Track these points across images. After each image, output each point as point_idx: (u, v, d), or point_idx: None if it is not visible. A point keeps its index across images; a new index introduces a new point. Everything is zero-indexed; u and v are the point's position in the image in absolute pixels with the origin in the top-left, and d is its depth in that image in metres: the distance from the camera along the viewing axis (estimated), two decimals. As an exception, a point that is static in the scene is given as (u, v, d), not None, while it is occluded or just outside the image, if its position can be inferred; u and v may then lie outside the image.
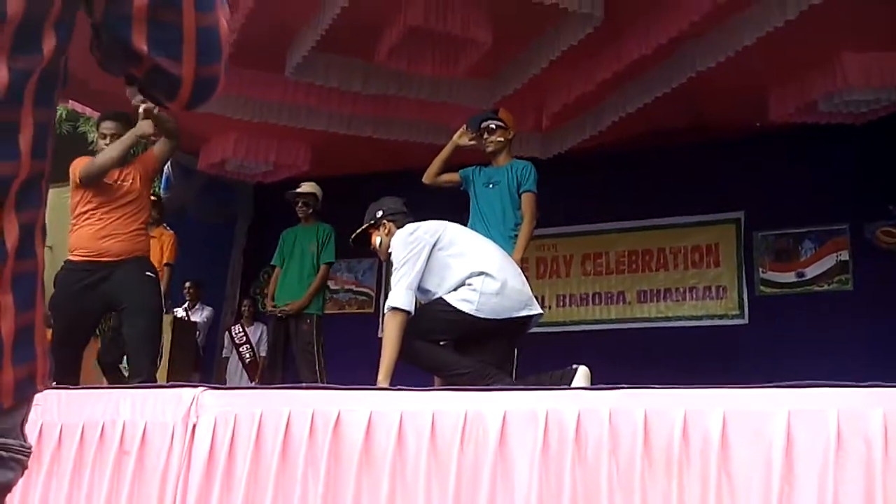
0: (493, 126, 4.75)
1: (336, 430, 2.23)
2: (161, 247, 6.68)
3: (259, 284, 8.72)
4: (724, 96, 6.18)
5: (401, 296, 3.30)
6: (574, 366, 3.20)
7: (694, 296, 7.10)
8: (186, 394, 2.45)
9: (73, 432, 2.52)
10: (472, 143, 4.82)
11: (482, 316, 3.29)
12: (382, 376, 3.23)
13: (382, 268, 8.36)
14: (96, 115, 6.87)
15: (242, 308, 8.05)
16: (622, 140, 6.77)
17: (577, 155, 6.89)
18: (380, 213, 3.67)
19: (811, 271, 6.75)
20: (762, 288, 6.92)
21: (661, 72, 5.79)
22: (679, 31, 5.15)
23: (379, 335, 8.24)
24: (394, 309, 3.30)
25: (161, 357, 4.58)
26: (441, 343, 3.34)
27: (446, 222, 3.63)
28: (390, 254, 3.56)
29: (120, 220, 4.43)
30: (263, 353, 7.46)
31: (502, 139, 4.76)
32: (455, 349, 3.37)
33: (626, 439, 1.90)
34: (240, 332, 7.86)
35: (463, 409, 2.11)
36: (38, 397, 2.31)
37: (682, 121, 6.77)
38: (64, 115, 9.44)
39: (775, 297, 6.86)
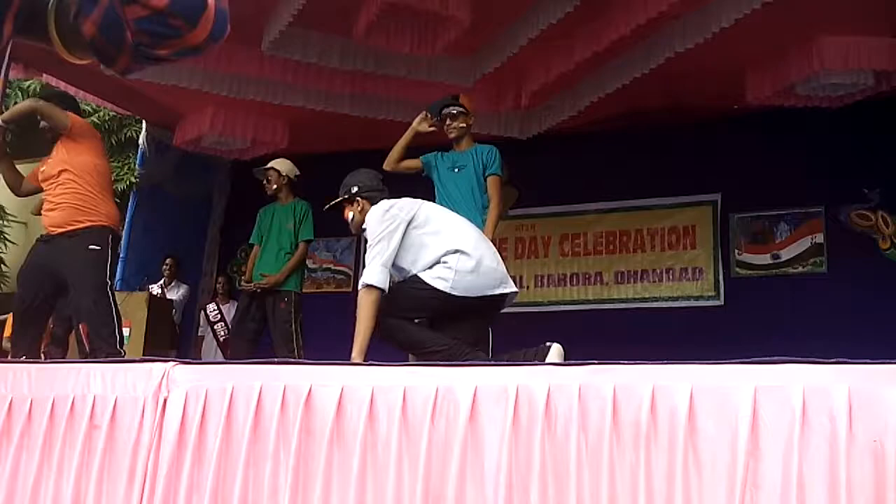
0: (455, 112, 4.76)
1: (307, 405, 2.23)
2: None
3: (236, 262, 8.68)
4: (701, 78, 6.18)
5: (375, 272, 3.30)
6: (547, 343, 3.21)
7: (671, 277, 7.14)
8: (157, 368, 2.44)
9: (43, 406, 2.50)
10: (433, 128, 4.84)
11: (457, 294, 3.29)
12: (356, 353, 3.23)
13: (361, 247, 8.34)
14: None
15: (217, 285, 8.01)
16: (600, 121, 6.78)
17: (556, 135, 6.90)
18: (355, 189, 3.65)
19: (786, 253, 6.81)
20: (738, 270, 6.97)
21: (640, 52, 5.79)
22: (658, 13, 5.15)
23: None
24: (368, 286, 3.29)
25: (119, 331, 4.52)
26: (416, 321, 3.34)
27: (421, 200, 3.61)
28: (364, 229, 3.55)
29: (50, 198, 4.55)
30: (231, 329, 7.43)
31: (464, 125, 4.78)
32: (430, 327, 3.37)
33: (594, 414, 1.91)
34: (214, 311, 7.82)
35: (434, 385, 2.11)
36: (7, 371, 2.28)
37: (659, 102, 6.78)
38: (38, 89, 9.31)
39: (751, 278, 6.92)
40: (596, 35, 5.56)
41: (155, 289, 7.46)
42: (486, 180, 4.60)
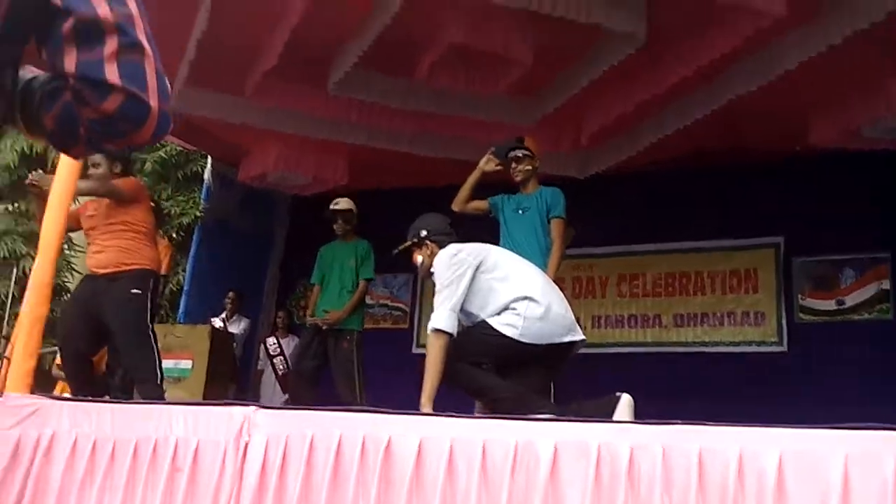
0: (521, 155, 4.79)
1: (387, 454, 2.25)
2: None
3: (295, 297, 8.79)
4: (764, 119, 6.14)
5: (444, 317, 3.32)
6: (617, 394, 3.18)
7: (732, 321, 7.03)
8: (238, 412, 2.49)
9: (126, 447, 2.56)
10: (499, 167, 4.87)
11: (526, 341, 3.30)
12: (426, 398, 3.24)
13: (418, 283, 8.39)
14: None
15: (278, 320, 8.10)
16: (660, 160, 6.76)
17: (615, 175, 6.88)
18: (424, 233, 3.69)
19: (851, 299, 6.67)
20: (801, 315, 6.84)
21: (701, 94, 5.76)
22: (721, 55, 5.13)
23: (413, 350, 8.27)
24: (437, 330, 3.31)
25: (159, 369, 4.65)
26: (483, 366, 3.35)
27: (489, 245, 3.63)
28: (431, 273, 3.58)
29: (98, 239, 4.69)
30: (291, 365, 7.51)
31: (530, 167, 4.82)
32: (496, 373, 3.37)
33: (680, 476, 1.89)
34: (274, 345, 7.90)
35: (514, 439, 2.12)
36: (90, 411, 2.35)
37: (720, 143, 6.74)
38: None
39: (814, 324, 6.78)
40: (657, 77, 5.56)
41: (217, 322, 7.57)
42: (549, 222, 4.61)
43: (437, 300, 3.40)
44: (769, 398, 6.47)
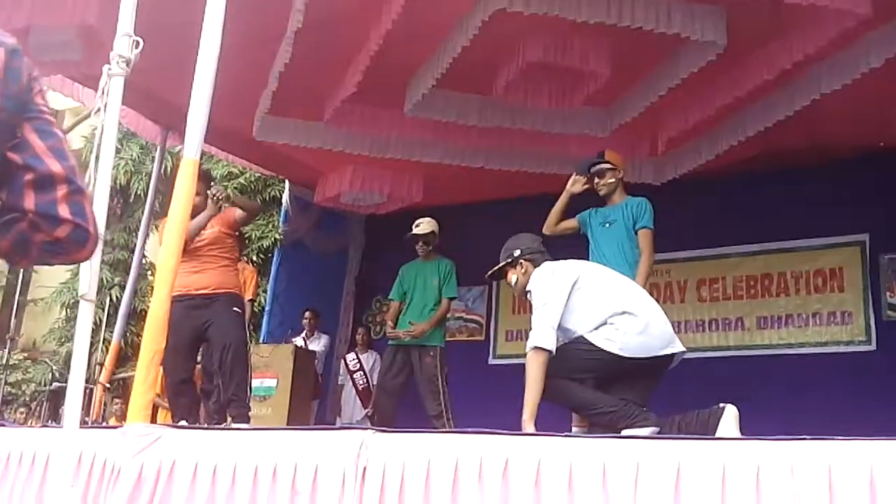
0: (602, 169, 4.78)
1: (505, 477, 2.29)
2: (243, 281, 6.94)
3: (371, 312, 8.92)
4: (847, 117, 6.04)
5: (543, 334, 3.35)
6: (721, 405, 3.18)
7: (818, 321, 6.90)
8: (354, 436, 2.55)
9: (247, 473, 2.65)
10: (586, 187, 4.87)
11: (626, 355, 3.31)
12: (528, 416, 3.27)
13: (492, 295, 8.43)
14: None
15: (357, 336, 8.22)
16: (737, 162, 6.68)
17: (691, 178, 6.82)
18: (517, 252, 3.72)
19: (940, 295, 6.50)
20: (889, 312, 6.68)
21: (783, 95, 5.69)
22: (804, 56, 5.07)
23: (490, 362, 8.32)
24: (536, 348, 3.34)
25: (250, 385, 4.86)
26: (582, 381, 3.37)
27: (584, 261, 3.64)
28: (528, 292, 3.61)
29: (204, 259, 4.90)
30: (377, 381, 7.60)
31: (613, 180, 4.79)
32: (596, 387, 3.39)
33: (810, 496, 1.89)
34: (354, 360, 8.02)
35: (635, 459, 2.13)
36: (210, 438, 2.43)
37: (798, 142, 6.63)
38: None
39: (904, 322, 6.62)
40: (737, 81, 5.51)
41: (298, 341, 7.72)
42: (636, 234, 4.60)
43: (535, 318, 3.43)
44: (860, 398, 6.33)
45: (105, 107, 3.01)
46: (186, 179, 3.09)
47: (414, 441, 2.51)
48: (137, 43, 3.08)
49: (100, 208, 2.90)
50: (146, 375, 2.89)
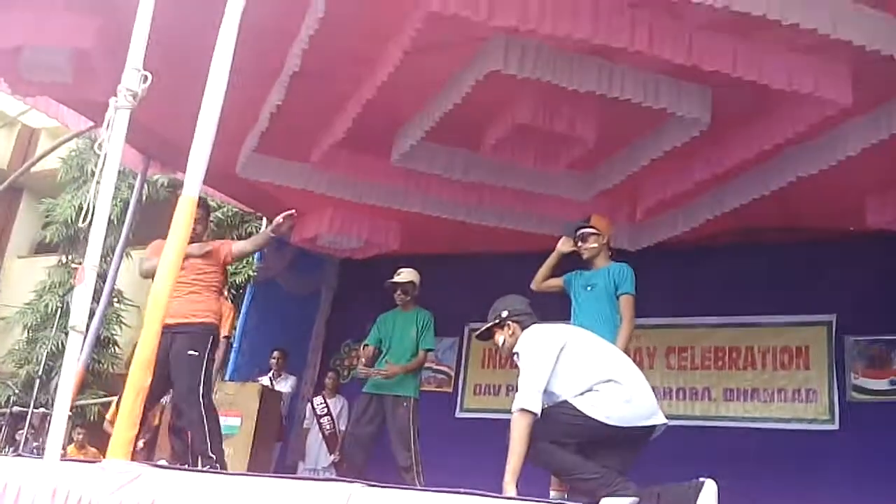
0: (586, 233, 4.88)
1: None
2: (220, 317, 6.89)
3: (339, 357, 8.88)
4: (820, 199, 6.22)
5: (530, 397, 3.37)
6: (701, 479, 3.21)
7: (783, 398, 7.02)
8: (341, 489, 2.55)
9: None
10: (575, 249, 4.96)
11: (611, 423, 3.33)
12: (510, 477, 3.27)
13: (463, 347, 8.45)
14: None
15: (326, 380, 8.17)
16: (712, 235, 6.83)
17: (666, 247, 6.95)
18: (505, 314, 3.75)
19: (905, 380, 6.65)
20: (854, 394, 6.81)
21: (760, 175, 5.85)
22: (784, 140, 5.23)
23: (457, 415, 8.30)
24: (522, 410, 3.36)
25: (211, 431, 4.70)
26: (566, 446, 3.38)
27: (572, 326, 3.68)
28: (515, 353, 3.64)
29: (183, 285, 4.71)
30: (343, 427, 7.54)
31: (596, 245, 4.88)
32: (578, 452, 3.41)
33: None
34: (321, 404, 7.96)
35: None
36: (190, 481, 2.43)
37: (774, 220, 6.82)
38: (166, 183, 9.88)
39: (868, 403, 6.75)
40: (718, 157, 5.66)
41: (264, 380, 7.66)
42: (618, 299, 4.67)
43: (521, 380, 3.45)
44: (820, 477, 6.42)
45: (108, 140, 3.02)
46: (184, 217, 3.09)
47: (401, 499, 2.51)
48: (146, 77, 3.10)
49: (96, 240, 2.90)
50: (130, 411, 2.86)
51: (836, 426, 6.77)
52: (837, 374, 6.88)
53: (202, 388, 4.69)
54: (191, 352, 4.70)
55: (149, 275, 5.03)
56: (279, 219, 4.71)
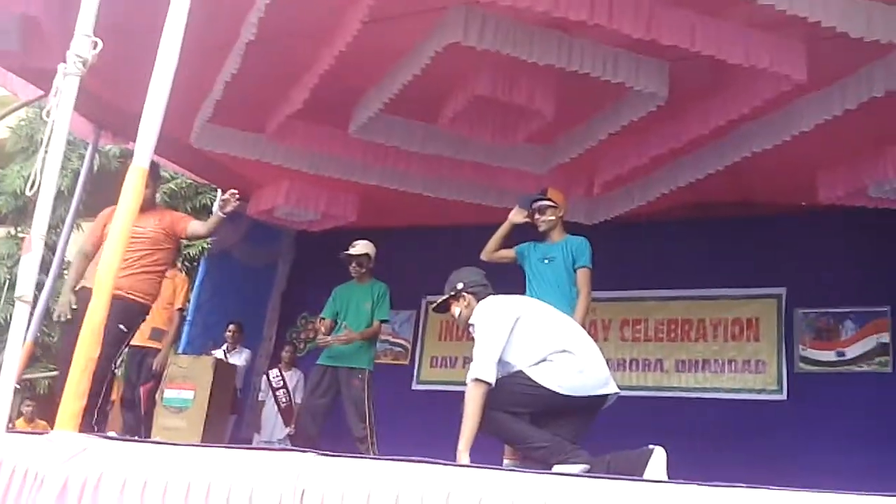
0: (543, 206, 4.89)
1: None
2: (173, 289, 6.81)
3: (296, 329, 8.83)
4: (773, 175, 6.32)
5: (484, 367, 3.40)
6: (650, 447, 3.27)
7: (733, 368, 7.16)
8: (294, 460, 2.53)
9: (178, 491, 2.59)
10: (528, 219, 4.97)
11: (564, 392, 3.38)
12: (463, 446, 3.30)
13: (420, 320, 8.46)
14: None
15: (283, 353, 8.13)
16: (666, 209, 6.90)
17: (622, 221, 7.01)
18: (460, 286, 3.77)
19: (851, 351, 6.82)
20: (802, 365, 6.97)
21: (716, 150, 5.92)
22: (740, 115, 5.29)
23: (413, 387, 8.33)
24: (477, 380, 3.39)
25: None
26: (518, 415, 3.42)
27: (527, 297, 3.71)
28: (471, 325, 3.66)
29: (128, 258, 4.59)
30: (299, 400, 7.52)
31: (553, 217, 4.91)
32: (531, 422, 3.45)
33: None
34: (277, 377, 7.93)
35: (573, 500, 2.18)
36: (141, 452, 2.39)
37: (728, 195, 6.91)
38: (118, 153, 9.68)
39: (815, 374, 6.92)
40: (674, 132, 5.71)
41: (218, 353, 7.58)
42: (575, 272, 4.71)
43: (476, 351, 3.48)
44: (768, 446, 6.57)
45: (57, 107, 2.94)
46: (134, 188, 3.02)
47: (354, 468, 2.50)
48: (96, 44, 3.02)
49: (43, 210, 2.83)
50: (78, 383, 2.81)
51: (784, 396, 6.94)
52: (786, 345, 7.04)
53: (115, 362, 4.66)
54: (121, 326, 4.59)
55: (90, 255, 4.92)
56: (221, 199, 4.67)
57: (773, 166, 6.01)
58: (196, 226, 5.00)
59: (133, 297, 4.72)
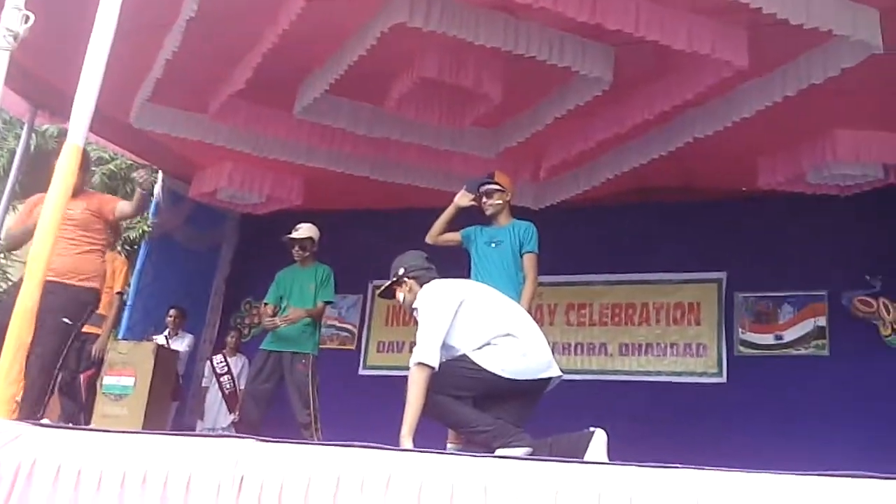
0: (491, 189, 4.89)
1: (386, 496, 2.28)
2: (113, 272, 6.61)
3: (240, 315, 8.72)
4: (715, 160, 6.40)
5: (427, 351, 3.38)
6: (591, 429, 3.30)
7: (675, 352, 7.27)
8: (232, 446, 2.49)
9: (114, 479, 2.53)
10: (473, 203, 4.97)
11: (507, 376, 3.38)
12: (406, 431, 3.27)
13: (366, 305, 8.41)
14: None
15: (228, 338, 8.01)
16: (611, 194, 6.97)
17: (568, 206, 7.05)
18: (402, 271, 3.74)
19: (789, 335, 6.97)
20: (741, 348, 7.11)
21: (660, 135, 5.98)
22: (683, 100, 5.34)
23: (360, 372, 8.29)
24: (420, 364, 3.36)
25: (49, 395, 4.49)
26: (462, 399, 3.41)
27: (471, 281, 3.69)
28: (415, 309, 3.63)
29: (63, 240, 4.40)
30: (244, 386, 7.42)
31: (500, 201, 4.91)
32: (475, 405, 3.44)
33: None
34: (221, 363, 7.82)
35: (514, 482, 2.18)
36: (75, 439, 2.34)
37: (672, 180, 7.00)
38: (55, 133, 9.42)
39: (754, 357, 7.06)
40: (619, 117, 5.74)
41: (160, 339, 7.44)
42: (522, 257, 4.71)
43: (420, 334, 3.45)
44: (710, 428, 6.70)
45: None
46: (68, 167, 2.93)
47: (294, 453, 2.46)
48: (27, 18, 2.92)
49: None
50: (10, 369, 2.72)
51: (724, 379, 7.06)
52: (726, 329, 7.16)
53: (61, 358, 4.46)
54: (65, 319, 4.42)
55: (14, 244, 4.73)
56: (137, 175, 4.59)
57: (715, 152, 6.10)
58: (123, 205, 4.80)
59: (76, 283, 4.53)
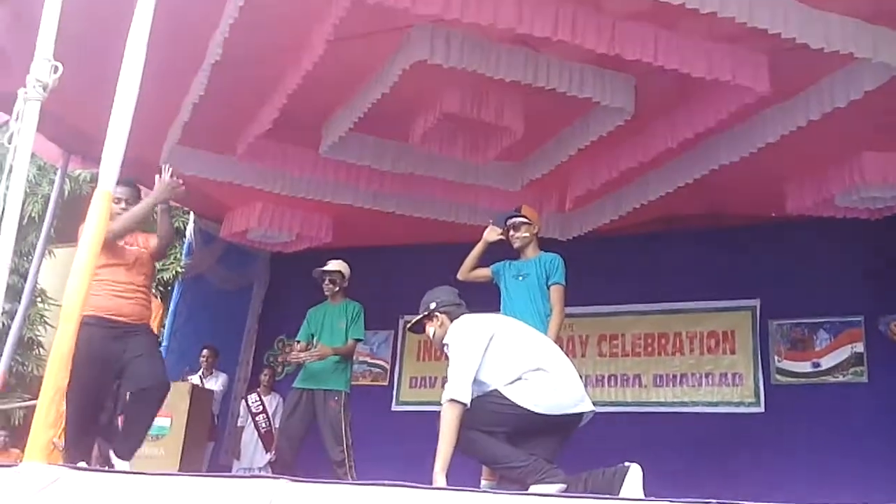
0: (518, 223, 4.92)
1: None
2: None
3: (273, 353, 8.76)
4: (742, 187, 6.36)
5: (459, 387, 3.37)
6: (626, 464, 3.26)
7: (710, 382, 7.17)
8: (266, 486, 2.50)
9: (146, 520, 2.55)
10: (501, 237, 4.99)
11: (539, 411, 3.36)
12: (440, 467, 3.26)
13: (398, 341, 8.42)
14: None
15: (262, 377, 8.05)
16: (638, 223, 6.94)
17: (596, 236, 7.03)
18: (433, 305, 3.75)
19: (826, 362, 6.86)
20: (778, 377, 7.00)
21: (684, 163, 5.96)
22: (706, 127, 5.33)
23: (393, 408, 8.27)
24: (452, 401, 3.36)
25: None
26: (495, 435, 3.40)
27: (501, 316, 3.70)
28: (445, 345, 3.64)
29: (129, 282, 4.50)
30: (278, 424, 7.44)
31: (527, 234, 4.94)
32: (508, 441, 3.43)
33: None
34: (256, 402, 7.85)
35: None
36: (113, 482, 2.35)
37: (698, 208, 6.96)
38: (88, 178, 9.62)
39: (791, 386, 6.94)
40: (643, 146, 5.74)
41: (194, 379, 7.51)
42: (549, 289, 4.71)
43: (451, 371, 3.45)
44: (748, 459, 6.59)
45: (19, 132, 2.91)
46: (100, 212, 3.00)
47: (327, 493, 2.47)
48: (56, 68, 3.00)
49: (7, 237, 2.79)
50: (47, 413, 2.76)
51: (761, 409, 6.95)
52: (762, 357, 7.06)
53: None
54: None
55: (119, 234, 4.66)
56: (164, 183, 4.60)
57: (741, 178, 6.06)
58: (153, 239, 4.77)
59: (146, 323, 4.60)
